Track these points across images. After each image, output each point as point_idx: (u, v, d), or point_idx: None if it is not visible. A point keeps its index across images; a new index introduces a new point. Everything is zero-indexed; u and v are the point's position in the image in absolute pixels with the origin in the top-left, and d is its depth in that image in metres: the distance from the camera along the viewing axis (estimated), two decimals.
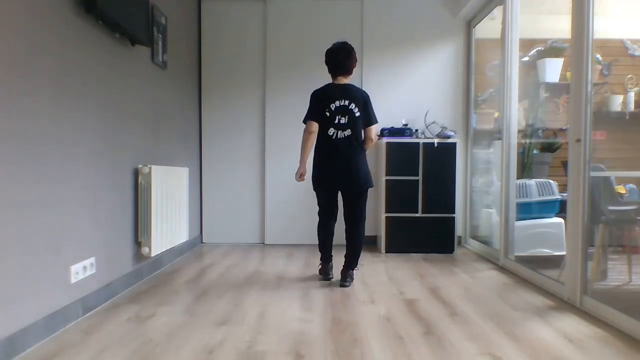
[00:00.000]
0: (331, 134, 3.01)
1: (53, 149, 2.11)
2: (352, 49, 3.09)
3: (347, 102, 3.00)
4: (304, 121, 3.11)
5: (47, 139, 2.07)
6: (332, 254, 3.28)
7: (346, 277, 3.05)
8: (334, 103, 3.00)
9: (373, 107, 3.11)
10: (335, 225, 3.30)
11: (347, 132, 3.01)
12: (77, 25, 2.31)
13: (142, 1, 2.89)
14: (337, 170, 3.03)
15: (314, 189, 3.18)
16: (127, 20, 2.66)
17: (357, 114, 3.02)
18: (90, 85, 2.44)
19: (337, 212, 3.27)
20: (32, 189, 1.96)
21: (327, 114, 3.01)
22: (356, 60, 3.11)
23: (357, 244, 3.11)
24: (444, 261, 3.81)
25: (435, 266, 3.62)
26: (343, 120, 3.00)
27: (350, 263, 3.10)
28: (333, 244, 3.28)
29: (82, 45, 2.36)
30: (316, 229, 3.27)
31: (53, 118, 2.11)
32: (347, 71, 3.08)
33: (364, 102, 3.05)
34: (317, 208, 3.24)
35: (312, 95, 3.11)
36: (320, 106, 3.03)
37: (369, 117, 3.06)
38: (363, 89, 4.51)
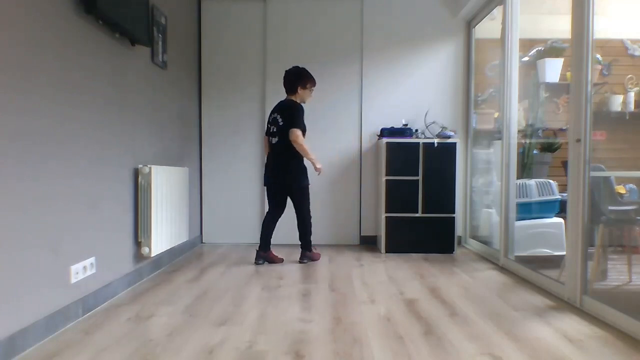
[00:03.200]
0: (271, 140, 3.66)
1: (53, 149, 2.11)
2: (295, 73, 3.65)
3: (276, 114, 3.63)
4: None
5: (47, 138, 2.07)
6: (270, 243, 3.74)
7: (301, 256, 3.74)
8: (271, 116, 3.70)
9: (298, 115, 3.55)
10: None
11: (276, 139, 3.60)
12: (77, 25, 2.31)
13: (142, 1, 2.89)
14: (268, 171, 3.67)
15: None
16: (127, 20, 2.66)
17: (281, 123, 3.57)
18: (90, 85, 2.44)
19: (280, 209, 3.74)
20: (32, 189, 1.96)
21: (267, 124, 3.72)
22: (298, 83, 3.63)
23: (300, 226, 3.70)
24: (444, 261, 3.81)
25: (435, 266, 3.62)
26: (274, 129, 3.62)
27: (301, 243, 3.74)
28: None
29: (82, 45, 2.36)
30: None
31: (53, 117, 2.11)
32: (290, 90, 3.68)
33: (288, 111, 3.58)
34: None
35: None
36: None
37: (288, 123, 3.54)
38: (363, 89, 4.57)
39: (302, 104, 3.65)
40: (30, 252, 1.96)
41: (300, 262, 3.70)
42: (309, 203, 3.69)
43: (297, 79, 3.65)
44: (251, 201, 4.66)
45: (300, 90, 3.66)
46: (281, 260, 3.72)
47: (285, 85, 3.68)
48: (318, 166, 3.60)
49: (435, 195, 4.13)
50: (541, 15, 4.27)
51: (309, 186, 3.69)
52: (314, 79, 3.72)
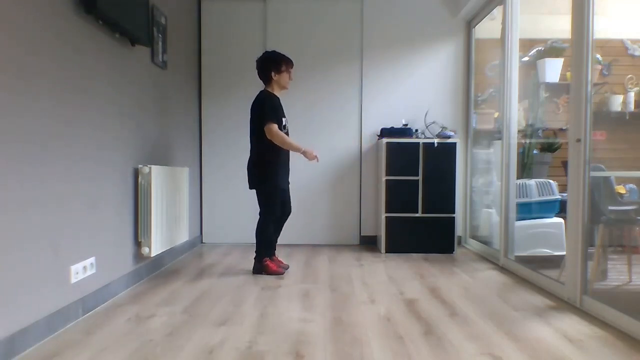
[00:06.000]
0: None
1: (53, 149, 2.11)
2: (264, 59, 3.30)
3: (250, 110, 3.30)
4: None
5: (47, 138, 2.07)
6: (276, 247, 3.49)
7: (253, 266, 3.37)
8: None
9: (270, 106, 3.20)
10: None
11: (249, 136, 3.31)
12: (77, 25, 2.31)
13: (142, 1, 2.89)
14: None
15: None
16: (127, 20, 2.66)
17: (250, 119, 3.28)
18: (90, 85, 2.44)
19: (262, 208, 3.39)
20: (32, 189, 1.96)
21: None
22: (271, 69, 3.26)
23: (255, 234, 3.35)
24: (444, 261, 3.81)
25: (435, 266, 3.62)
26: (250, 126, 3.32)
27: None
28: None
29: (82, 45, 2.36)
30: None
31: (53, 118, 2.11)
32: (265, 79, 3.31)
33: (254, 105, 3.26)
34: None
35: None
36: None
37: (259, 119, 3.21)
38: (363, 88, 4.56)
39: (277, 94, 3.31)
40: (30, 252, 1.96)
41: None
42: (273, 206, 3.29)
43: (269, 63, 3.27)
44: (251, 201, 4.64)
45: (275, 76, 3.26)
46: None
47: (259, 76, 3.32)
48: (311, 152, 3.26)
49: (435, 196, 4.13)
50: (541, 15, 4.27)
51: (275, 189, 3.30)
52: (288, 58, 3.33)
